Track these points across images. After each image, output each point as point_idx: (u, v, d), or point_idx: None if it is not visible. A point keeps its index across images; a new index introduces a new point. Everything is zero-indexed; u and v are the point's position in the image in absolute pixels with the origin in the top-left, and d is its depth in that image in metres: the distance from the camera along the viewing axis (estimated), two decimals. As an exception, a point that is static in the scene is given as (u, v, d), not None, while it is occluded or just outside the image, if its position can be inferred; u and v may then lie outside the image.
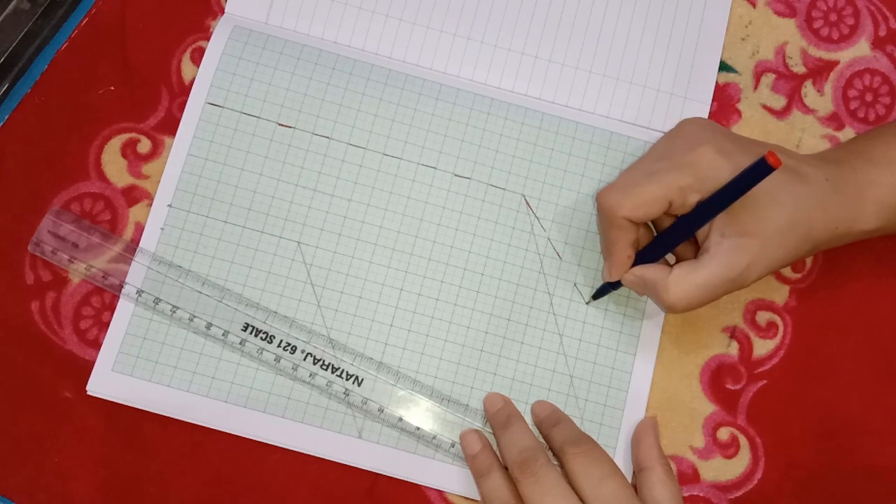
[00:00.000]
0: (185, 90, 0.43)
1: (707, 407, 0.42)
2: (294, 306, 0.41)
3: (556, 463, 0.38)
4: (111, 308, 0.41)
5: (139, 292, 0.41)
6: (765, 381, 0.43)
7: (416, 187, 0.43)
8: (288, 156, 0.43)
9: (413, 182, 0.43)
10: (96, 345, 0.41)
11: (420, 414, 0.40)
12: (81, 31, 0.44)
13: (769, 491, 0.42)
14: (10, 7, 0.43)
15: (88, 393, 0.40)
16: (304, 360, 0.41)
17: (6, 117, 0.43)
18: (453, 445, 0.40)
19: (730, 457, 0.42)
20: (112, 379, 0.40)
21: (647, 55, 0.45)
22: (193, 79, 0.43)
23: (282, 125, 0.43)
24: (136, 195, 0.42)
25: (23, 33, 0.43)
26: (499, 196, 0.43)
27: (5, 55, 0.43)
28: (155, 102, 0.43)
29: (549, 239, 0.43)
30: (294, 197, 0.42)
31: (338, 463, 0.40)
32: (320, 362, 0.41)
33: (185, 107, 0.43)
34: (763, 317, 0.43)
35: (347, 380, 0.41)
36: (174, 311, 0.41)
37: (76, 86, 0.43)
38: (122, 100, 0.43)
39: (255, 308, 0.41)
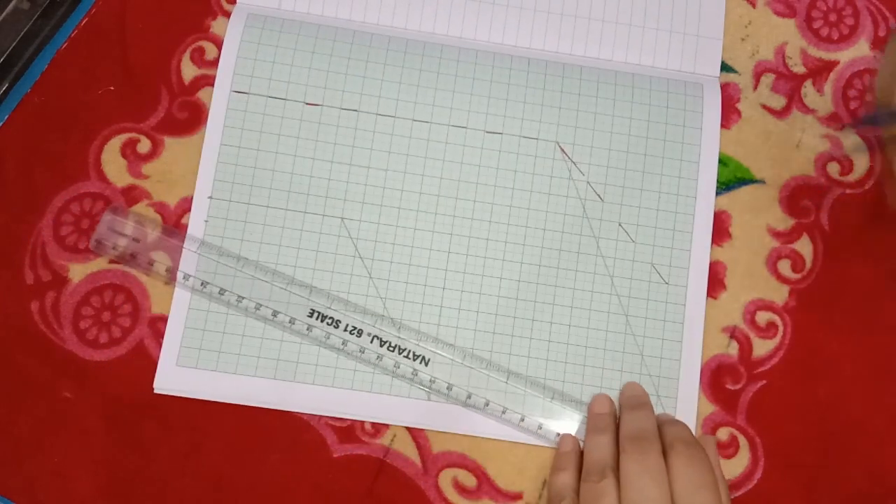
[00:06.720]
0: (186, 90, 0.43)
1: (707, 407, 0.42)
2: (347, 281, 0.42)
3: None
4: (111, 308, 0.41)
5: (203, 283, 0.41)
6: (765, 381, 0.43)
7: (450, 149, 0.43)
8: (319, 133, 0.43)
9: (446, 144, 0.43)
10: (96, 344, 0.41)
11: (488, 389, 0.41)
12: (81, 31, 0.44)
13: (769, 491, 0.42)
14: (10, 7, 0.43)
15: (156, 391, 0.40)
16: (371, 342, 0.41)
17: (6, 117, 0.43)
18: (523, 419, 0.41)
19: (729, 457, 0.42)
20: (178, 374, 0.40)
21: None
22: (194, 78, 0.43)
23: (309, 104, 0.43)
24: (136, 195, 0.42)
25: (22, 33, 0.43)
26: (532, 146, 0.43)
27: (5, 55, 0.43)
28: (155, 102, 0.43)
29: (588, 182, 0.43)
30: (331, 174, 0.42)
31: (338, 463, 0.40)
32: (387, 344, 0.41)
33: (185, 106, 0.43)
34: (763, 317, 0.43)
35: (414, 360, 0.41)
36: (239, 301, 0.41)
37: (76, 86, 0.43)
38: (122, 100, 0.43)
39: (319, 293, 0.41)
